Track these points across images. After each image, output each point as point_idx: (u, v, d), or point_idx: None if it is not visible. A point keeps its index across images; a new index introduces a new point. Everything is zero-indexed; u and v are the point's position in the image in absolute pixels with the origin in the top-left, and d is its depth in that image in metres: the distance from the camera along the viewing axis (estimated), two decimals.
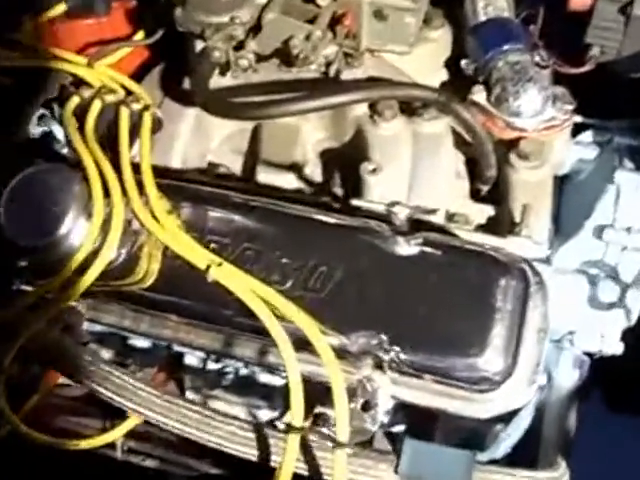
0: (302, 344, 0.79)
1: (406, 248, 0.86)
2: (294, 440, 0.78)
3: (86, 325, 0.96)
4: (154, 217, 0.87)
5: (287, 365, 0.78)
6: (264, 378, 0.97)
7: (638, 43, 1.11)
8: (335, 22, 0.98)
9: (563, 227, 1.12)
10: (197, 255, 0.84)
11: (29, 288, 0.92)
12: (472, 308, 0.82)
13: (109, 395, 0.88)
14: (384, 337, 0.83)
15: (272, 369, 0.90)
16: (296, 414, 0.78)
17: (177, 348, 0.97)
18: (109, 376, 0.88)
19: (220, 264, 0.82)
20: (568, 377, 1.11)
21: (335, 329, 0.83)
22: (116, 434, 1.02)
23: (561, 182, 1.16)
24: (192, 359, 1.00)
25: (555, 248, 1.08)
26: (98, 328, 0.98)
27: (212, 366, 0.98)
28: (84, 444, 0.99)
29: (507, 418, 0.89)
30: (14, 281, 0.92)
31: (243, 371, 0.97)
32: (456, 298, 0.83)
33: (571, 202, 1.14)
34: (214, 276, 0.82)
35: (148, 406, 0.86)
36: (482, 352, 0.82)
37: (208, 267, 0.82)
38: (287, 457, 0.78)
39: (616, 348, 1.09)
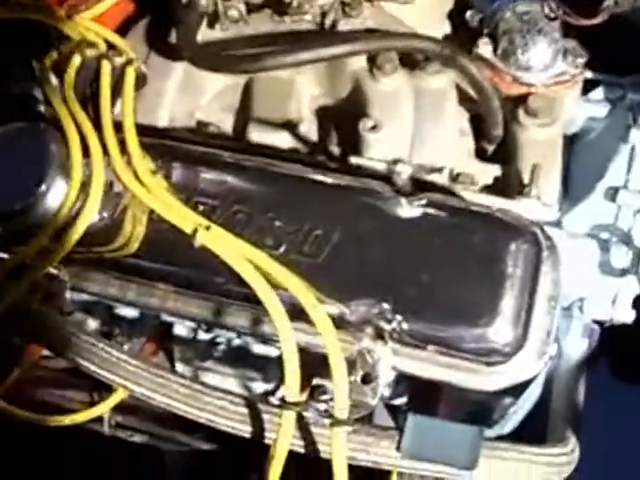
0: (297, 313, 0.74)
1: (409, 210, 0.80)
2: (289, 416, 0.73)
3: (70, 294, 0.90)
4: (137, 178, 0.81)
5: (281, 336, 0.73)
6: (258, 349, 0.91)
7: None
8: None
9: (573, 189, 1.06)
10: (183, 218, 0.78)
11: (6, 255, 0.86)
12: (480, 274, 0.77)
13: (94, 369, 0.83)
14: (385, 305, 0.78)
15: (266, 339, 0.85)
16: (291, 388, 0.73)
17: (166, 318, 0.92)
18: (93, 348, 0.83)
19: (208, 227, 0.77)
20: (577, 346, 1.06)
21: (333, 296, 0.77)
22: (102, 409, 0.98)
23: (571, 141, 1.10)
24: (182, 329, 0.95)
25: (565, 211, 1.03)
26: (83, 297, 0.92)
27: (203, 336, 0.93)
28: (68, 420, 0.94)
29: (516, 391, 0.84)
30: None
31: (235, 342, 0.92)
32: (463, 264, 0.77)
33: (582, 162, 1.08)
34: (201, 240, 0.76)
35: (135, 380, 0.81)
36: (491, 322, 0.76)
37: (195, 231, 0.76)
38: (282, 434, 0.73)
39: (628, 316, 1.04)
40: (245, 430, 0.77)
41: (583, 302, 1.04)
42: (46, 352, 1.04)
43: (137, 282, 0.86)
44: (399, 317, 0.78)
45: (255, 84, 1.01)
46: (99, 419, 1.02)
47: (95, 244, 0.85)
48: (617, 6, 1.06)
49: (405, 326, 0.78)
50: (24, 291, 0.84)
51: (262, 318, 0.80)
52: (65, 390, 1.07)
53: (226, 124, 1.02)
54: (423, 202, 0.81)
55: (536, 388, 0.92)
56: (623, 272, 1.02)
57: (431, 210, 0.80)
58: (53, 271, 0.86)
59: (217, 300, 0.83)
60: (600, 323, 1.07)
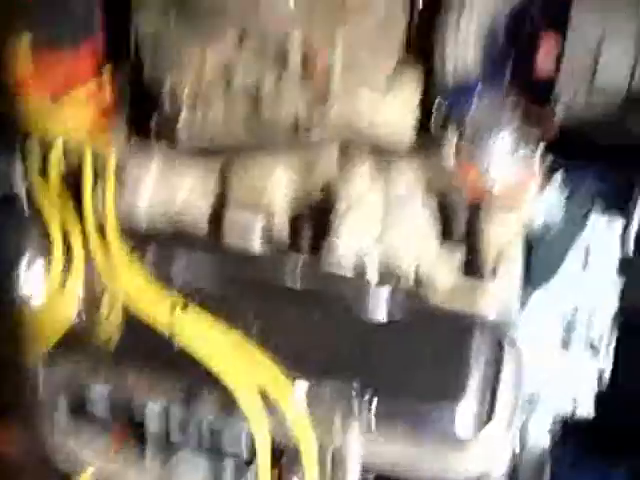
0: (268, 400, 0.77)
1: (377, 301, 0.84)
2: None
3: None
4: (115, 263, 0.85)
5: (252, 422, 0.75)
6: (229, 429, 0.93)
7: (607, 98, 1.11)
8: (305, 63, 0.96)
9: (537, 274, 1.11)
10: (159, 301, 0.81)
11: None
12: (446, 363, 0.80)
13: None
14: (355, 384, 0.80)
15: (236, 420, 0.87)
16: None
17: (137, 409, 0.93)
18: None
19: (184, 308, 0.80)
20: (541, 438, 1.09)
21: (303, 376, 0.80)
22: None
23: (535, 228, 1.15)
24: (153, 420, 0.95)
25: (529, 295, 1.07)
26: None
27: (174, 424, 0.94)
28: None
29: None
30: None
31: (205, 427, 0.93)
32: (430, 353, 0.81)
33: (544, 248, 1.13)
34: (177, 321, 0.79)
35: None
36: (457, 402, 0.80)
37: (171, 311, 0.79)
38: None
39: (588, 411, 1.07)
40: None
41: (546, 395, 1.07)
42: None
43: (110, 365, 0.88)
44: (368, 395, 0.80)
45: (233, 169, 1.05)
46: None
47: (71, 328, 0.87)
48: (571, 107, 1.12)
49: (375, 404, 0.80)
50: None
51: (232, 403, 0.82)
52: None
53: (204, 208, 1.05)
54: (391, 294, 0.84)
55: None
56: (583, 368, 1.06)
57: (399, 301, 0.84)
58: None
59: (187, 383, 0.85)
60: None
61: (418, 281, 0.92)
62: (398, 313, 0.83)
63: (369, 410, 0.81)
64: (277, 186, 1.02)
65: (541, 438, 1.07)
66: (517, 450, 0.94)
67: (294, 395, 0.78)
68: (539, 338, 1.01)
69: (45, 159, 0.95)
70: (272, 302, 0.85)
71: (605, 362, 1.07)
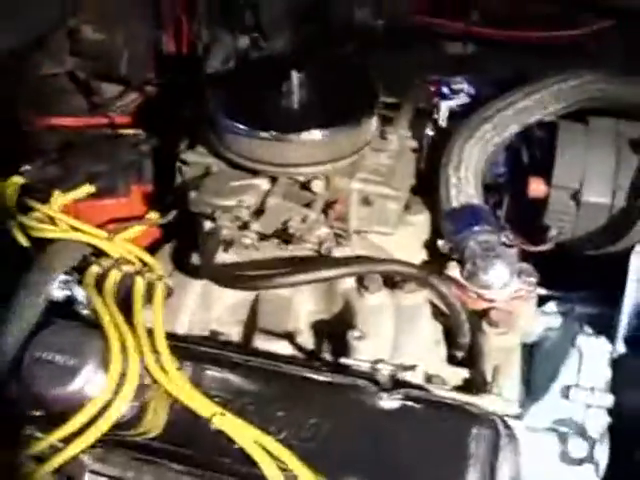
0: None
1: (389, 402, 0.97)
2: None
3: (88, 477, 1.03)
4: (165, 372, 0.99)
5: None
6: None
7: (589, 224, 1.29)
8: (328, 207, 1.15)
9: (534, 389, 1.23)
10: (203, 406, 0.95)
11: (40, 435, 1.00)
12: (447, 456, 0.92)
13: None
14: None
15: None
16: None
17: None
18: None
19: (223, 414, 0.93)
20: None
21: (325, 475, 0.91)
22: None
23: (531, 348, 1.29)
24: None
25: (527, 408, 1.19)
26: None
27: None
28: None
29: None
30: (27, 427, 1.00)
31: None
32: (433, 447, 0.93)
33: (540, 366, 1.26)
34: (218, 425, 0.92)
35: None
36: None
37: (213, 416, 0.92)
38: None
39: None
40: None
41: None
42: None
43: (153, 463, 1.00)
44: None
45: (260, 300, 1.21)
46: None
47: (121, 429, 1.00)
48: (560, 235, 1.30)
49: None
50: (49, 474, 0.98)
51: None
52: None
53: (235, 334, 1.20)
54: (401, 396, 0.98)
55: None
56: (581, 461, 1.16)
57: (407, 403, 0.97)
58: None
59: None
60: None
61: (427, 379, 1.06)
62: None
63: None
64: (300, 308, 1.17)
65: None
66: None
67: None
68: (538, 439, 1.12)
69: (102, 284, 1.11)
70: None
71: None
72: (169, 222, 1.28)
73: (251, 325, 1.21)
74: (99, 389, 0.99)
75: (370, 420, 0.96)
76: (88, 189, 1.28)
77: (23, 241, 1.23)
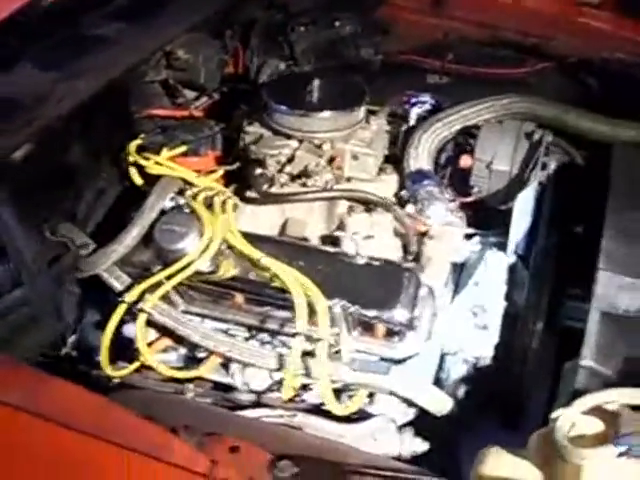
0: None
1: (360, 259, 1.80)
2: None
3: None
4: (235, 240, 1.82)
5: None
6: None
7: (497, 185, 2.12)
8: (331, 160, 1.99)
9: (459, 288, 2.03)
10: (254, 252, 1.77)
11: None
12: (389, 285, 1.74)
13: None
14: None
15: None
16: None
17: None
18: None
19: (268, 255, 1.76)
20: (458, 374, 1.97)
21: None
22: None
23: (461, 265, 2.10)
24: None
25: (453, 299, 1.99)
26: None
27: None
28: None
29: None
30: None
31: None
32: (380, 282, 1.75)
33: (464, 274, 2.07)
34: (264, 263, 1.74)
35: None
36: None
37: (261, 257, 1.75)
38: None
39: (487, 353, 1.96)
40: None
41: (462, 348, 1.97)
42: None
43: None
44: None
45: (289, 220, 2.03)
46: None
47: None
48: (479, 192, 2.13)
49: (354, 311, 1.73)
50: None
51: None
52: None
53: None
54: (367, 260, 1.80)
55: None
56: (484, 327, 1.97)
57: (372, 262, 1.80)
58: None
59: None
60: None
61: None
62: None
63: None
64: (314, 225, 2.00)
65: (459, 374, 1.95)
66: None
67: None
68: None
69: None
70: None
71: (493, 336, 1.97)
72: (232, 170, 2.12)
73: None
74: (196, 249, 1.81)
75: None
76: (182, 149, 2.12)
77: (138, 180, 2.07)
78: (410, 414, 1.85)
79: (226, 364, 1.92)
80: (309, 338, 1.71)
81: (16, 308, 1.44)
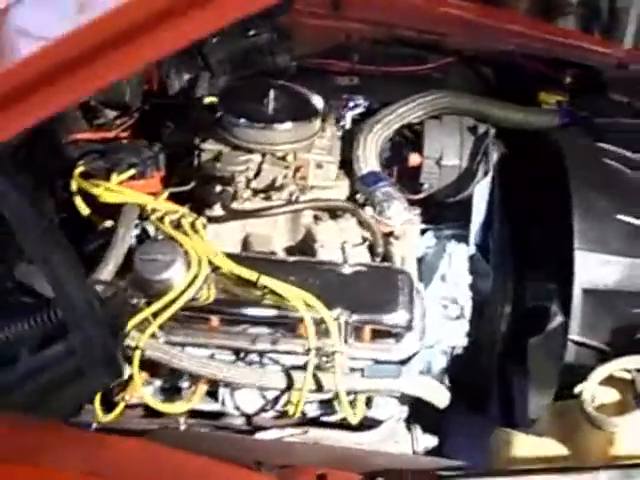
0: None
1: (348, 268, 1.83)
2: None
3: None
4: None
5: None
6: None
7: (448, 180, 2.22)
8: (296, 170, 2.01)
9: (425, 281, 2.12)
10: (250, 274, 1.76)
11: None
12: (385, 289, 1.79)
13: None
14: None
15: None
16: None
17: None
18: None
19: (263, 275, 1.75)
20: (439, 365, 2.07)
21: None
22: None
23: (419, 259, 2.19)
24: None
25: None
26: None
27: None
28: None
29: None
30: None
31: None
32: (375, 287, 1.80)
33: (426, 268, 2.16)
34: (262, 282, 1.74)
35: None
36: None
37: (258, 278, 1.74)
38: None
39: (462, 342, 2.07)
40: None
41: (439, 339, 2.06)
42: None
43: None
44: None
45: (252, 235, 2.03)
46: None
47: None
48: (430, 188, 2.23)
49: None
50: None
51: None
52: None
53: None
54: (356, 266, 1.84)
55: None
56: (457, 318, 2.07)
57: (360, 268, 1.84)
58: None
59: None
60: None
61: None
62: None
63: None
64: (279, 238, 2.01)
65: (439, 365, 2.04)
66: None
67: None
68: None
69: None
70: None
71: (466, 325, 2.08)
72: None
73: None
74: (182, 277, 1.77)
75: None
76: (131, 172, 2.05)
77: (84, 209, 1.99)
78: (405, 411, 1.91)
79: (212, 391, 1.90)
80: (318, 351, 1.72)
81: (56, 363, 1.35)
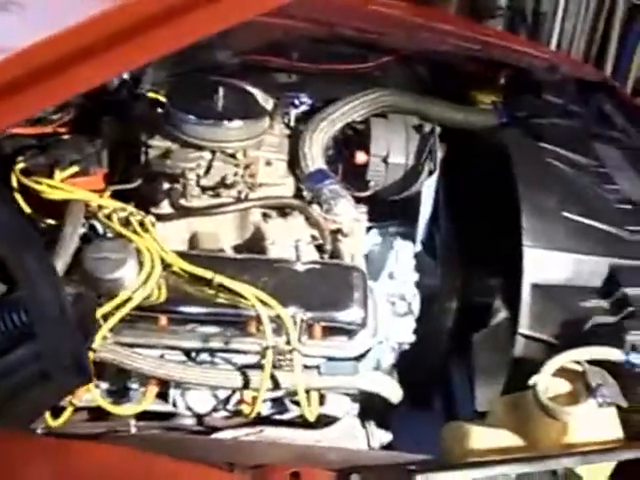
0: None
1: (301, 266, 1.84)
2: None
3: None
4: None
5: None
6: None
7: (394, 178, 2.25)
8: (246, 168, 2.00)
9: (373, 276, 2.14)
10: (204, 273, 1.75)
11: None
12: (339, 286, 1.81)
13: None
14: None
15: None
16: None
17: None
18: None
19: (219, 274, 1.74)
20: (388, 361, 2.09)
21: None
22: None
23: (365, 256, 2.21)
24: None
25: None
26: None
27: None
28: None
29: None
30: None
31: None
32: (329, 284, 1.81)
33: (372, 264, 2.18)
34: (217, 280, 1.72)
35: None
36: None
37: (213, 277, 1.73)
38: None
39: (409, 338, 2.10)
40: None
41: (388, 337, 2.08)
42: None
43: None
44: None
45: (197, 236, 2.01)
46: None
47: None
48: (376, 186, 2.25)
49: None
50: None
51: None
52: None
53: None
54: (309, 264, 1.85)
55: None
56: (404, 314, 2.10)
57: (316, 266, 1.84)
58: None
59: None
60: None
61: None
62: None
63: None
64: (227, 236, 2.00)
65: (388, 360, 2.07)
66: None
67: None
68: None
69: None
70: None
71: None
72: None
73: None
74: (134, 276, 1.74)
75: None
76: (74, 169, 2.01)
77: (25, 207, 1.93)
78: (356, 408, 1.92)
79: (163, 393, 1.87)
80: (274, 349, 1.72)
81: (21, 367, 1.30)
